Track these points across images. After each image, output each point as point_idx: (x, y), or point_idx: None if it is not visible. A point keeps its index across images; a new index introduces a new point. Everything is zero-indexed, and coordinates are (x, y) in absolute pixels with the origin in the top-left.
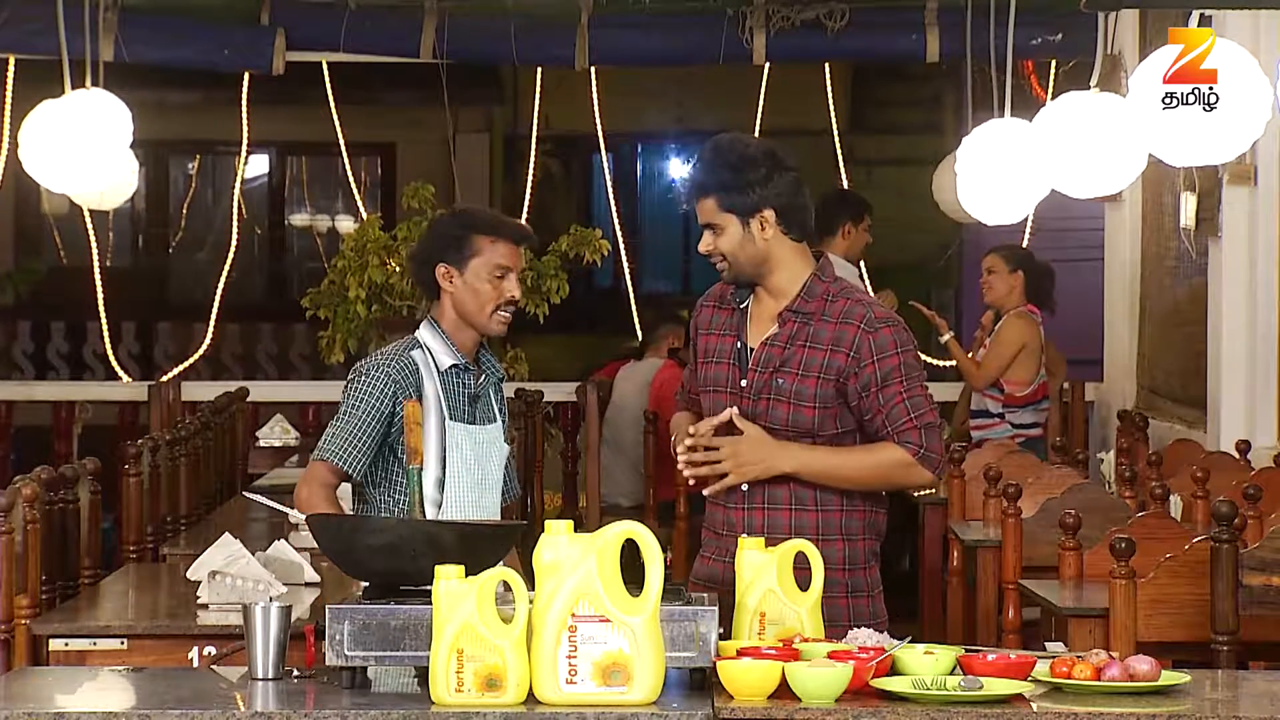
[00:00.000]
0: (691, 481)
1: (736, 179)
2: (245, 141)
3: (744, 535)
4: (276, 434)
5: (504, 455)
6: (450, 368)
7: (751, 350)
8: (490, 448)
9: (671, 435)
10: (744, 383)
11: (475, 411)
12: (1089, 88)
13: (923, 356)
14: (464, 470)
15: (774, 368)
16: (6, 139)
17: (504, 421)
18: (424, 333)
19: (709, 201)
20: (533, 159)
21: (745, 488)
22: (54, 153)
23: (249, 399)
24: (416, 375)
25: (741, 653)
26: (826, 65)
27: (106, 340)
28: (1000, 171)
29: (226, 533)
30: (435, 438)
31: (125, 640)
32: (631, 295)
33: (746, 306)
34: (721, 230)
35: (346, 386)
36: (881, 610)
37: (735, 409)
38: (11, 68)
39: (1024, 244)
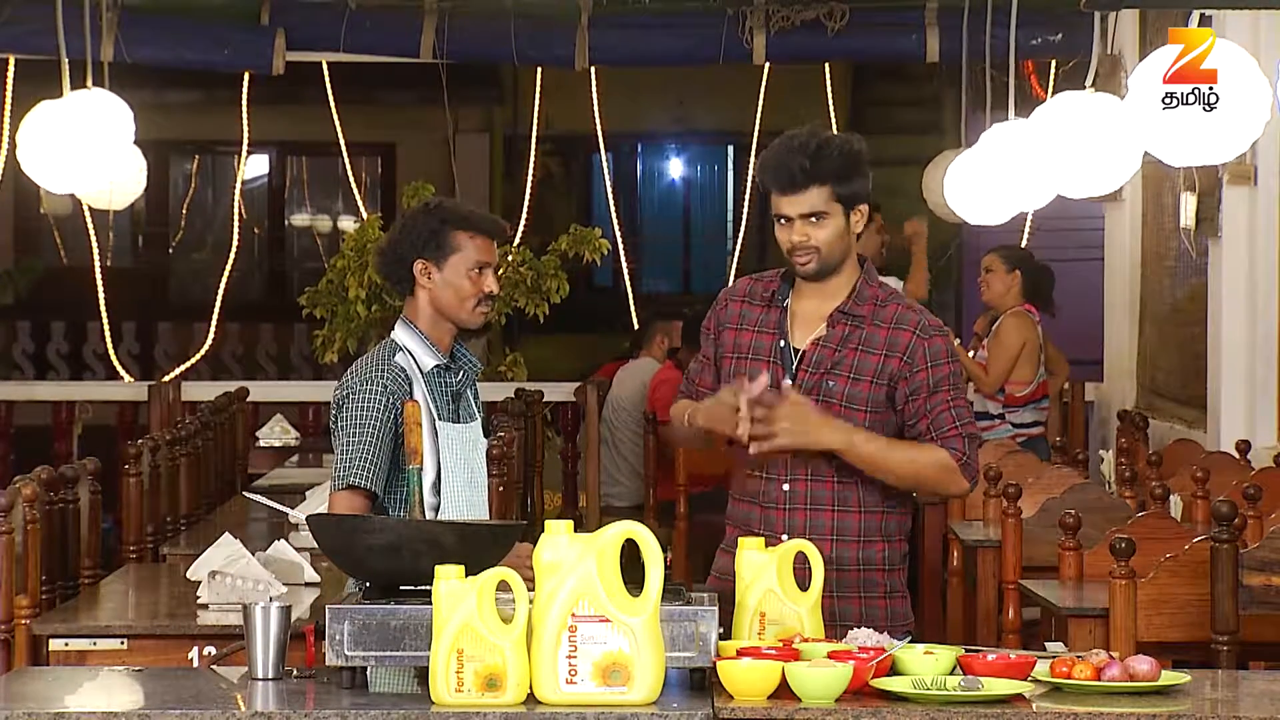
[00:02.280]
0: (744, 437)
1: (850, 169)
2: (245, 141)
3: (785, 536)
4: (276, 434)
5: (484, 451)
6: (433, 368)
7: (797, 350)
8: (477, 445)
9: (679, 421)
10: (787, 382)
11: (459, 409)
12: (1086, 88)
13: None
14: (458, 470)
15: (825, 370)
16: (6, 139)
17: (481, 416)
18: (401, 335)
19: (822, 190)
20: (533, 159)
21: (787, 488)
22: (52, 153)
23: (249, 399)
24: (407, 381)
25: (741, 653)
26: (826, 65)
27: (107, 340)
28: (995, 172)
29: (226, 533)
30: (429, 441)
31: (125, 640)
32: (631, 295)
33: (788, 304)
34: (825, 220)
35: (342, 407)
36: (910, 612)
37: (789, 381)
38: (11, 68)
39: (1024, 244)
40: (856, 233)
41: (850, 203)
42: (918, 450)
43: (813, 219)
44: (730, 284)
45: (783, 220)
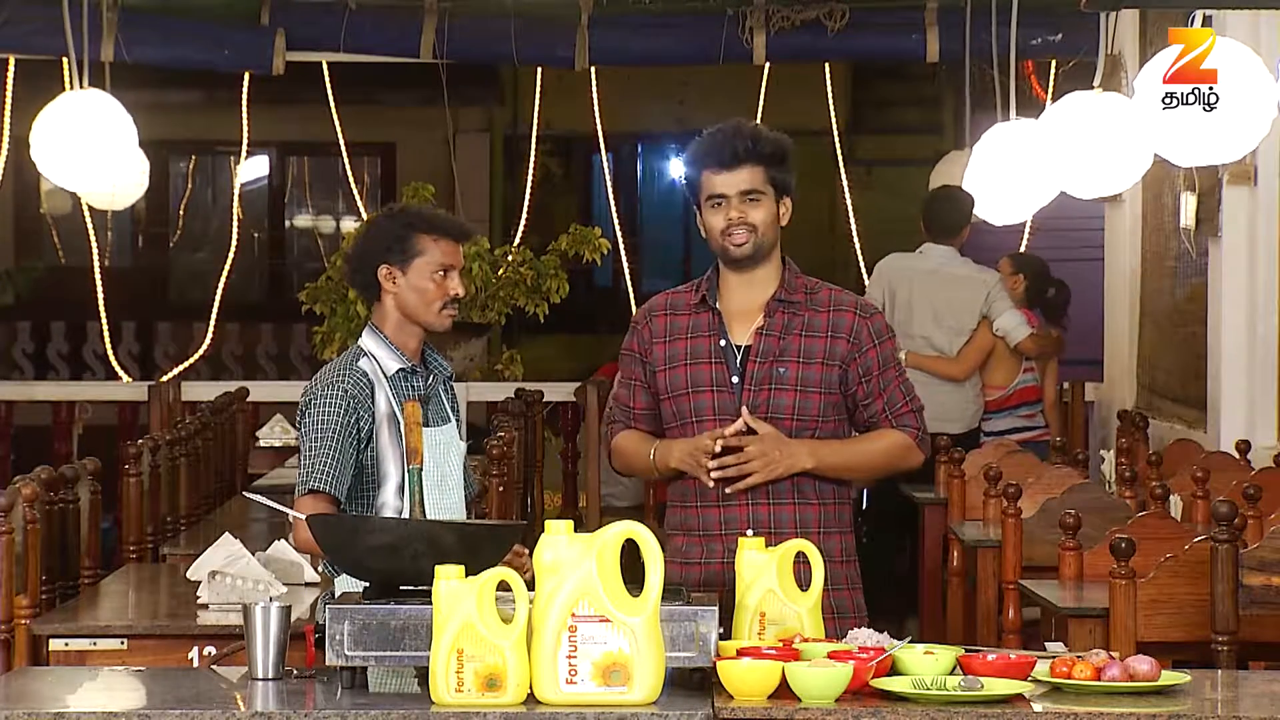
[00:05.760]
0: (711, 483)
1: (783, 157)
2: (245, 141)
3: (749, 531)
4: (276, 434)
5: (462, 454)
6: (397, 371)
7: (739, 346)
8: (448, 448)
9: (638, 458)
10: (735, 378)
11: (428, 413)
12: (1091, 88)
13: None
14: (426, 473)
15: (774, 357)
16: (6, 138)
17: (458, 419)
18: (367, 340)
19: (759, 170)
20: (533, 159)
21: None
22: (66, 151)
23: (249, 399)
24: (370, 385)
25: (741, 653)
26: (826, 65)
27: (106, 340)
28: (1007, 172)
29: (226, 533)
30: (394, 445)
31: (125, 640)
32: (631, 295)
33: (718, 305)
34: (760, 201)
35: (305, 413)
36: (864, 605)
37: (746, 409)
38: (11, 68)
39: (1023, 244)
40: (782, 224)
41: (781, 190)
42: (875, 440)
43: (750, 197)
44: (645, 306)
45: (717, 201)
